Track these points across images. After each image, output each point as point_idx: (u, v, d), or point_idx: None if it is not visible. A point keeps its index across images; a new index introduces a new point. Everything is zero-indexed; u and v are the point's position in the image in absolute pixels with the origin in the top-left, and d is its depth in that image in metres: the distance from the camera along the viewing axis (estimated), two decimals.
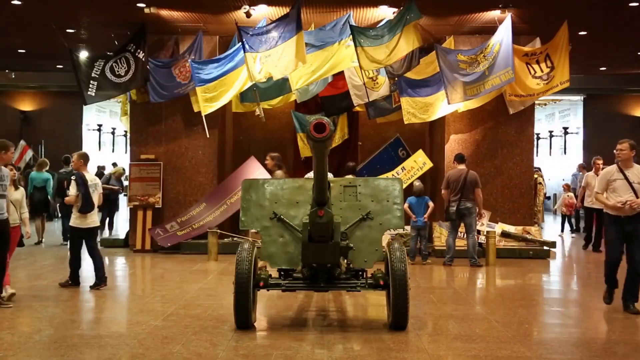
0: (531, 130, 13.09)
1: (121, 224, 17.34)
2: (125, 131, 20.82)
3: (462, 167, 11.15)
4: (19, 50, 15.99)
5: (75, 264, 8.74)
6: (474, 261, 10.94)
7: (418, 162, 12.45)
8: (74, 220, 8.72)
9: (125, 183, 16.07)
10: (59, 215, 15.75)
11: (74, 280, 8.73)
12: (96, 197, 8.81)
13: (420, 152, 12.70)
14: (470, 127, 12.78)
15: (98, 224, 9.09)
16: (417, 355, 5.69)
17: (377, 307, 7.69)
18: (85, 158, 8.87)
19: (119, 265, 11.44)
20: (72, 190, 8.66)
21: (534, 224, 13.12)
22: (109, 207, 15.88)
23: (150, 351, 5.70)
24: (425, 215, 11.13)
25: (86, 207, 8.59)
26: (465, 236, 11.27)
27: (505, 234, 12.25)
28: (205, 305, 7.60)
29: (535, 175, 14.19)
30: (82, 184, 8.56)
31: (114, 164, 19.08)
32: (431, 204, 11.18)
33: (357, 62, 10.94)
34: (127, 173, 17.40)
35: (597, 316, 7.57)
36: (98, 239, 14.20)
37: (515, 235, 12.31)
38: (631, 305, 7.43)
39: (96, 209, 8.88)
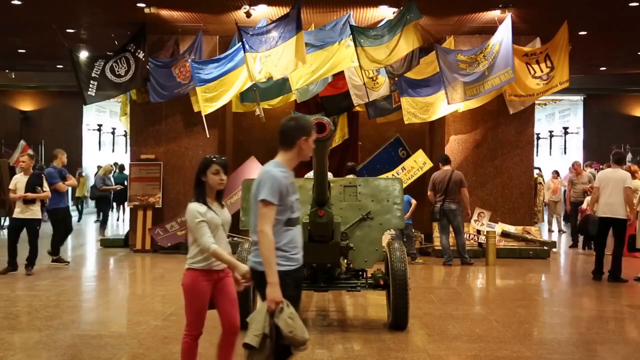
0: (531, 130, 13.09)
1: (113, 224, 17.42)
2: (125, 131, 20.83)
3: (447, 168, 11.16)
4: (19, 50, 15.99)
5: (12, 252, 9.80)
6: (465, 259, 10.99)
7: (418, 162, 12.45)
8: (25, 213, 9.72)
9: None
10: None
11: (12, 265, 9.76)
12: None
13: (420, 152, 12.69)
14: (470, 127, 12.78)
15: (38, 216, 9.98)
16: (417, 355, 5.69)
17: (377, 307, 7.69)
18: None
19: (119, 265, 11.43)
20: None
21: (534, 224, 13.12)
22: (105, 207, 15.88)
23: (150, 351, 5.71)
24: (407, 214, 10.64)
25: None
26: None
27: (505, 234, 12.25)
28: None
29: (535, 175, 14.17)
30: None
31: (115, 164, 19.12)
32: (414, 201, 11.02)
33: (357, 62, 10.94)
34: (114, 170, 17.70)
35: (598, 316, 7.57)
36: (98, 237, 14.39)
37: (515, 235, 12.31)
38: None
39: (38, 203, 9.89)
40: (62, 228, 10.82)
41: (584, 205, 11.80)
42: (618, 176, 9.51)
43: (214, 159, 4.32)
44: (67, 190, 11.22)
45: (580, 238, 13.31)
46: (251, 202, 3.92)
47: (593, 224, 9.65)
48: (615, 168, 9.71)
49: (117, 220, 19.66)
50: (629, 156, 20.19)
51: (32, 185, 9.68)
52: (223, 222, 4.40)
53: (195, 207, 4.29)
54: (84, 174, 20.40)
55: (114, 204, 19.18)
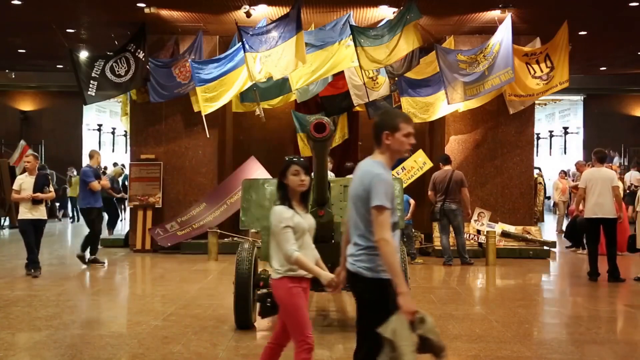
0: (531, 130, 13.09)
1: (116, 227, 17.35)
2: (125, 131, 20.84)
3: (448, 167, 11.16)
4: (19, 50, 15.99)
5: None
6: (465, 259, 11.00)
7: (418, 162, 12.44)
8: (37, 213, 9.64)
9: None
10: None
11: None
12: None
13: (420, 152, 12.68)
14: (470, 127, 12.78)
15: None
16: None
17: None
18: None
19: (119, 265, 11.42)
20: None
21: (535, 224, 13.11)
22: (111, 208, 15.87)
23: (150, 351, 5.70)
24: (408, 215, 10.71)
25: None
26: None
27: (505, 234, 12.25)
28: (205, 305, 7.59)
29: (536, 175, 14.17)
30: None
31: (115, 164, 19.10)
32: (412, 201, 11.00)
33: (357, 62, 10.94)
34: (124, 173, 17.63)
35: (597, 316, 7.58)
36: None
37: (515, 235, 12.31)
38: None
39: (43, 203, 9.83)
40: (97, 227, 10.73)
41: (573, 206, 11.77)
42: (605, 175, 9.45)
43: (294, 160, 4.20)
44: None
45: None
46: (350, 202, 3.72)
47: (582, 225, 9.64)
48: (599, 167, 9.65)
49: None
50: (616, 158, 20.14)
51: (41, 185, 9.61)
52: (309, 227, 4.20)
53: (280, 211, 4.08)
54: (75, 173, 20.37)
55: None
